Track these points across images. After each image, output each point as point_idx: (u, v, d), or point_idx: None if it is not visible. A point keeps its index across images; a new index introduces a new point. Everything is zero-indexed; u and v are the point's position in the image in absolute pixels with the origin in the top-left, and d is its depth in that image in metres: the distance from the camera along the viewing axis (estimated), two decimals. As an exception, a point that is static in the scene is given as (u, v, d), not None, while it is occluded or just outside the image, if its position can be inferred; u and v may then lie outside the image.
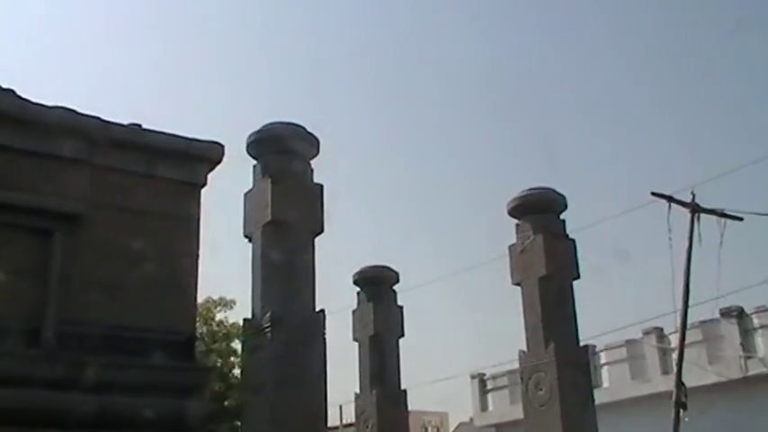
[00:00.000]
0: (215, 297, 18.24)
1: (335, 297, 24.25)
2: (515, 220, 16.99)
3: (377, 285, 19.42)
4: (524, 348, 16.23)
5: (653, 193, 16.78)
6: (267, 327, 12.32)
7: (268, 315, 12.41)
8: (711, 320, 20.87)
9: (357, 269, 19.84)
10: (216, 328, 17.30)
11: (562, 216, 17.01)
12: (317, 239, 13.39)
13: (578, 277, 16.51)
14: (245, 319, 13.08)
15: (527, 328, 16.20)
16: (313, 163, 13.95)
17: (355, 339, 19.34)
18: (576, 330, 16.11)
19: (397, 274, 19.88)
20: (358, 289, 19.78)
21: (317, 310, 12.86)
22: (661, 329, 22.37)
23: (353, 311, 19.64)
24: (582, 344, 16.24)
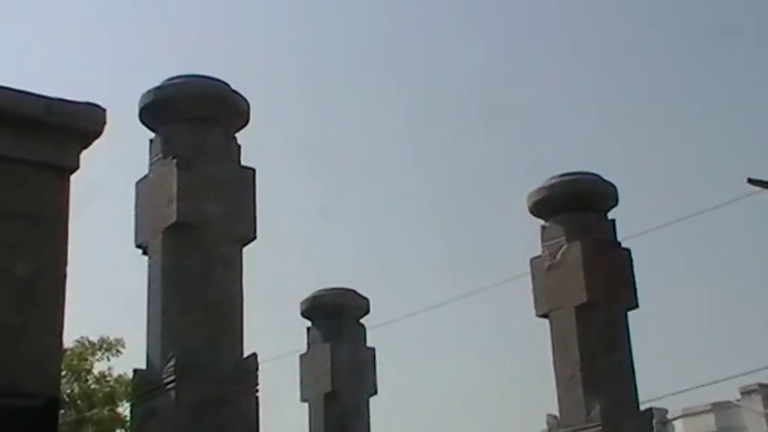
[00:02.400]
0: (92, 338, 18.03)
1: (275, 335, 24.36)
2: (540, 221, 17.04)
3: (337, 318, 19.42)
4: (555, 412, 16.27)
5: (750, 181, 16.84)
6: (170, 381, 12.27)
7: (171, 363, 12.36)
8: None
9: (308, 294, 19.82)
10: (94, 386, 17.10)
11: (611, 215, 17.10)
12: (246, 250, 13.41)
13: (636, 306, 16.61)
14: (135, 371, 13.01)
15: (559, 382, 16.25)
16: (241, 137, 13.95)
17: (304, 399, 19.31)
18: (635, 386, 16.20)
19: (366, 300, 19.89)
20: (308, 323, 19.75)
21: (247, 354, 12.85)
22: (768, 387, 22.25)
23: (302, 357, 19.63)
24: (644, 406, 16.32)
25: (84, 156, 8.65)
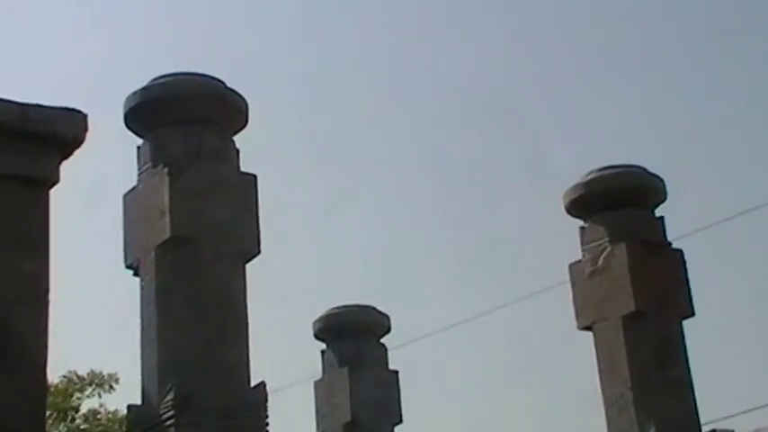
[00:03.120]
0: (80, 372, 17.99)
1: (286, 360, 24.32)
2: (579, 222, 17.00)
3: (355, 338, 19.42)
4: (604, 436, 16.22)
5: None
6: (168, 416, 12.25)
7: (170, 397, 12.36)
8: None
9: (321, 312, 19.82)
10: (83, 426, 17.06)
11: (659, 212, 17.06)
12: (250, 266, 13.41)
13: (692, 314, 16.56)
14: (130, 407, 13.01)
15: (607, 403, 16.19)
16: (239, 140, 13.96)
17: (321, 431, 19.27)
18: (695, 405, 16.14)
19: (387, 318, 19.88)
20: (323, 345, 19.75)
21: (254, 384, 12.83)
22: None
23: (316, 383, 19.63)
24: (706, 428, 16.30)
25: (65, 167, 8.68)
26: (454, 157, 48.24)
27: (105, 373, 17.82)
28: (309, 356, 19.90)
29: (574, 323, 16.78)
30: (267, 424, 12.74)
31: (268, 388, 12.92)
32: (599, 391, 16.32)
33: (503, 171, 47.40)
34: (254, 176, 13.68)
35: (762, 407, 21.30)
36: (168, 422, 12.26)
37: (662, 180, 17.02)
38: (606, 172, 16.74)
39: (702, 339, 17.29)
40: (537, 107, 47.83)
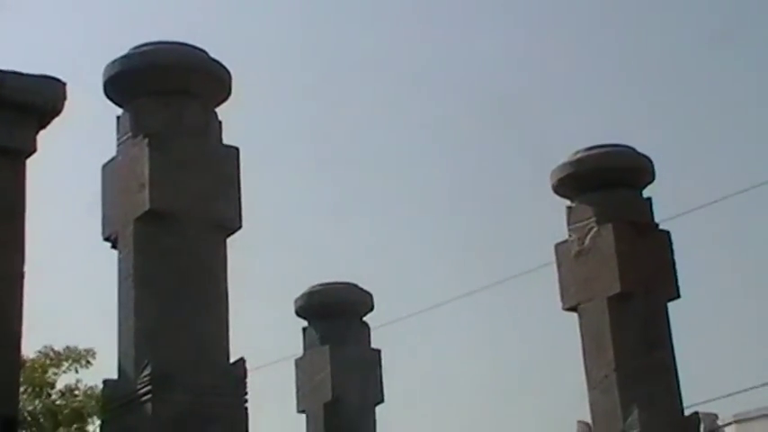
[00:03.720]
0: (56, 347, 17.98)
1: (267, 338, 24.32)
2: (566, 201, 17.03)
3: (336, 316, 19.42)
4: (587, 418, 16.27)
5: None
6: (145, 392, 12.26)
7: (146, 372, 12.37)
8: None
9: (303, 289, 19.82)
10: (59, 402, 17.04)
11: (647, 192, 17.10)
12: (231, 241, 13.43)
13: (678, 296, 16.61)
14: (106, 382, 13.02)
15: (591, 384, 16.25)
16: (221, 112, 13.95)
17: (301, 410, 19.33)
18: (678, 387, 16.21)
19: (369, 296, 19.88)
20: (304, 323, 19.77)
21: (234, 360, 12.85)
22: None
23: (297, 361, 19.64)
24: (689, 411, 16.30)
25: (43, 136, 8.66)
26: (448, 142, 48.43)
27: (81, 348, 17.81)
28: (291, 333, 19.89)
29: (559, 304, 16.82)
30: (246, 401, 12.75)
31: (248, 365, 12.94)
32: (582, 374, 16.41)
33: (495, 155, 47.67)
34: (237, 149, 13.65)
35: (744, 391, 21.44)
36: (144, 398, 12.25)
37: (650, 160, 17.03)
38: (594, 151, 16.73)
39: (687, 322, 17.31)
40: (534, 95, 48.06)
